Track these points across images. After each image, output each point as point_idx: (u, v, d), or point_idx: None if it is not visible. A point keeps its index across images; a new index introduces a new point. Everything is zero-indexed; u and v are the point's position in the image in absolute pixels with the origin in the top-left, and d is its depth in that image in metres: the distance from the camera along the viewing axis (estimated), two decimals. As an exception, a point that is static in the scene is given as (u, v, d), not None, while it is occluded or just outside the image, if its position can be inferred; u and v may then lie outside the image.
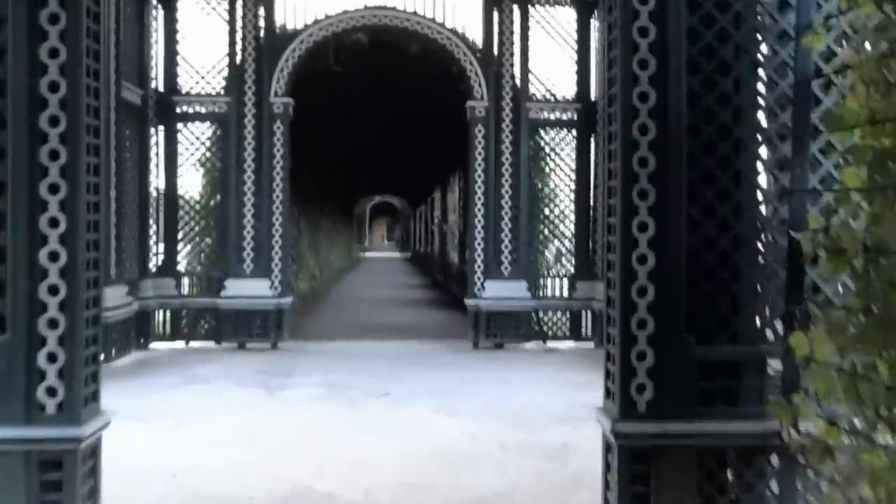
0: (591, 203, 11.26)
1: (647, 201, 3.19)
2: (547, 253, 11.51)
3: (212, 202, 10.88)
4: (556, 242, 11.47)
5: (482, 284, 10.99)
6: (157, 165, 10.54)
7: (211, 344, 10.66)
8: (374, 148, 22.71)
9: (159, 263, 10.70)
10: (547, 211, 11.40)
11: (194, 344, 10.78)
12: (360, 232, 57.84)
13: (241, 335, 10.53)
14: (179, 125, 10.68)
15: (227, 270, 10.58)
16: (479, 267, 11.01)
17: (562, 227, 11.41)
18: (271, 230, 10.65)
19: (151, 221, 10.50)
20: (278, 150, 10.59)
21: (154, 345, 10.50)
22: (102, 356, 8.53)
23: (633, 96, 3.19)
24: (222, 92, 10.63)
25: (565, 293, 11.38)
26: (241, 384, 7.94)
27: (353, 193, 41.80)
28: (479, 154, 10.94)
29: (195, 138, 10.69)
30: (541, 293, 11.32)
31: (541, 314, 11.25)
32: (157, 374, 8.54)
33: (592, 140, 11.23)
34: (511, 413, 6.88)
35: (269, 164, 10.56)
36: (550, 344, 11.21)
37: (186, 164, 10.70)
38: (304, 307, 17.05)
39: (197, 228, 10.91)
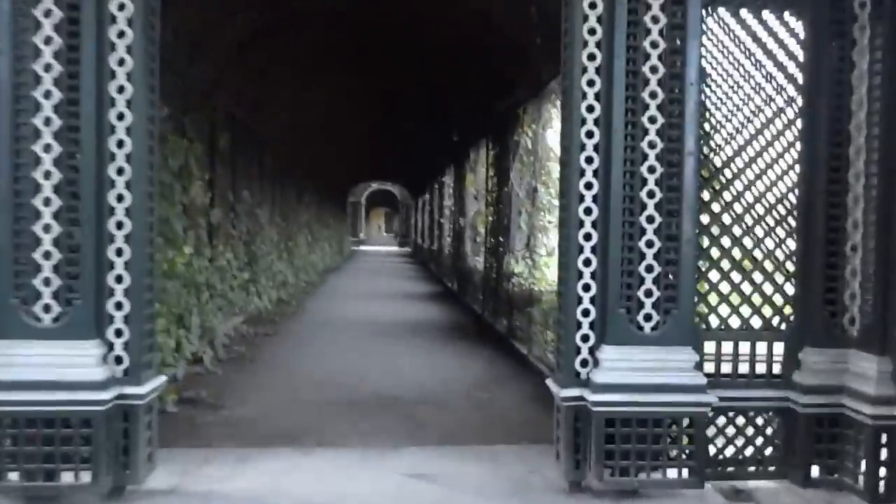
0: (842, 173, 5.08)
1: None
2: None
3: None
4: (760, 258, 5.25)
5: (591, 353, 4.87)
6: None
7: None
8: (364, 108, 16.77)
9: None
10: (736, 191, 5.19)
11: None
12: (354, 223, 52.05)
13: (29, 471, 4.39)
14: None
15: (-6, 321, 4.43)
16: (584, 314, 4.87)
17: (763, 226, 5.22)
18: (104, 224, 4.50)
19: None
20: (126, 48, 4.46)
21: None
22: None
23: None
24: None
25: (766, 368, 5.25)
26: None
27: (347, 180, 35.95)
28: (588, 62, 4.79)
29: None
30: (714, 369, 5.18)
31: (717, 417, 5.11)
32: None
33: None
34: None
35: (97, 74, 4.41)
36: (733, 483, 5.12)
37: None
38: (252, 339, 10.99)
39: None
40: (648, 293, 4.82)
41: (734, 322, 5.21)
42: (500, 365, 9.69)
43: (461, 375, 8.98)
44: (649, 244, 4.80)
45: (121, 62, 4.48)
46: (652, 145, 4.77)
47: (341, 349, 10.65)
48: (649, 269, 4.81)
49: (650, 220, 4.79)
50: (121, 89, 4.48)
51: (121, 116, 4.49)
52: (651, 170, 4.78)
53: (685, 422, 4.81)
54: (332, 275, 25.65)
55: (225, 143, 10.80)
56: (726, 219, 5.17)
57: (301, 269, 19.27)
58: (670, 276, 4.84)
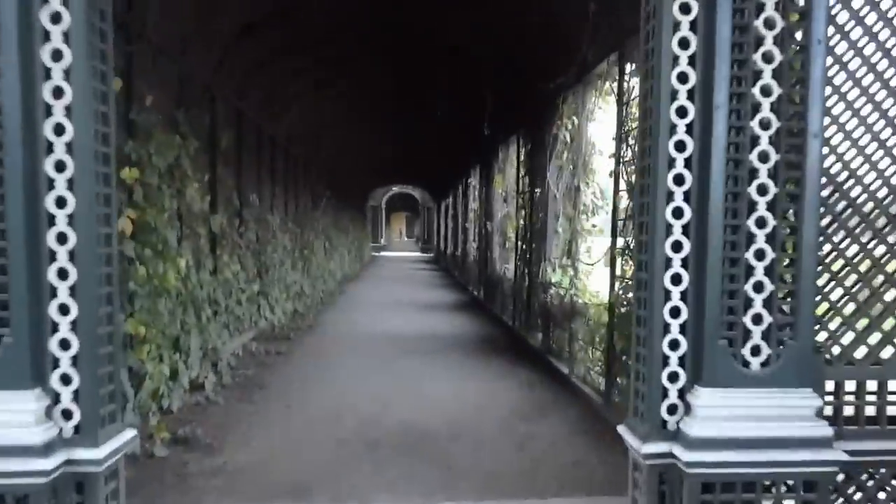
0: None
1: None
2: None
3: None
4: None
5: (681, 396, 3.72)
6: None
7: None
8: (384, 104, 15.72)
9: None
10: (865, 185, 4.02)
11: None
12: (374, 229, 51.01)
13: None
14: None
15: None
16: (671, 346, 3.72)
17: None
18: (41, 237, 3.40)
19: None
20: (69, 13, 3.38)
21: None
22: None
23: None
24: None
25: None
26: None
27: (366, 182, 34.95)
28: (681, 15, 3.62)
29: None
30: (833, 413, 4.00)
31: (839, 479, 3.94)
32: None
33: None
34: None
35: (21, 34, 3.30)
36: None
37: None
38: (263, 358, 9.93)
39: None
40: (757, 319, 3.66)
41: (859, 353, 4.04)
42: (539, 388, 8.54)
43: (497, 402, 7.85)
44: (759, 255, 3.64)
45: (55, 18, 3.37)
46: (765, 125, 3.61)
47: (361, 369, 9.54)
48: (759, 287, 3.65)
49: (761, 223, 3.63)
50: (57, 55, 3.37)
51: (58, 92, 3.38)
52: (763, 157, 3.62)
53: (803, 485, 3.66)
54: (352, 283, 24.61)
55: (228, 142, 9.72)
56: (852, 221, 3.99)
57: (318, 278, 18.21)
58: (793, 298, 3.69)
